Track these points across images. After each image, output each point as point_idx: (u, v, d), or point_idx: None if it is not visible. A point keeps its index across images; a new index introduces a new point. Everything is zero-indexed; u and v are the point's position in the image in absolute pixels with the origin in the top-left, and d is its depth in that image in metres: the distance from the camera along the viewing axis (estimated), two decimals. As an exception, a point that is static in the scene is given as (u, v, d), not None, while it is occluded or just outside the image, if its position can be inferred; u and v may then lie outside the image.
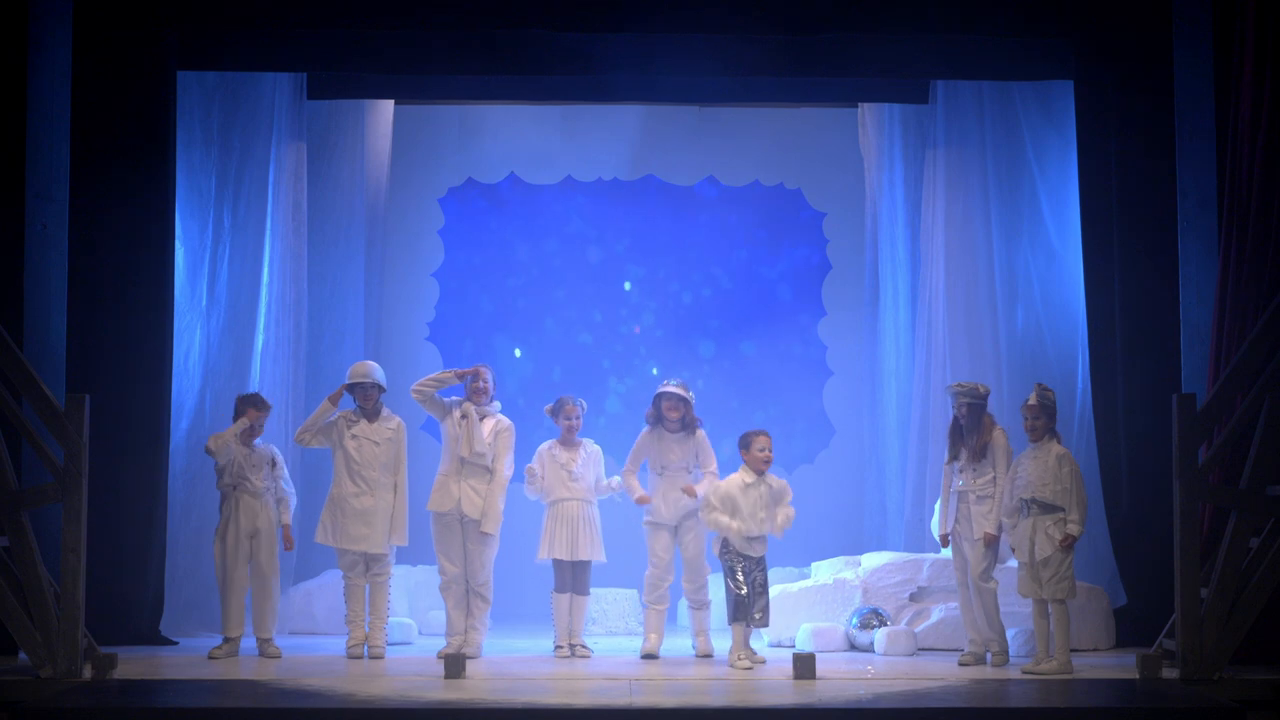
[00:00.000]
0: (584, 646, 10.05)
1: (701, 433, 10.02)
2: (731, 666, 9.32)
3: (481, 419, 10.03)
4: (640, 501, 9.99)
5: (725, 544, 9.47)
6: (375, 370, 10.10)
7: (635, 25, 10.71)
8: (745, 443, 9.62)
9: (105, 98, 10.45)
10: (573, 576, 10.05)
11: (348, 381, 10.05)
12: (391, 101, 12.55)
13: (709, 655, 9.85)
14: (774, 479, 9.60)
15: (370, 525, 9.91)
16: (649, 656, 9.80)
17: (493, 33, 10.87)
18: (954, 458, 9.68)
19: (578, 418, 10.20)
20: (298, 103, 11.77)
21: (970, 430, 9.58)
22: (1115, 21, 10.73)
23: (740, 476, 9.53)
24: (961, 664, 9.51)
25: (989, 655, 9.55)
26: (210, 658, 9.70)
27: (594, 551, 10.07)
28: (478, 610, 9.99)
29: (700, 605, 10.05)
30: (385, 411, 10.10)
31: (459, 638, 9.95)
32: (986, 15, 10.76)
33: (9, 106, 10.10)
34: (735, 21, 10.61)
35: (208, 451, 10.05)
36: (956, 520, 9.62)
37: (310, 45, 11.16)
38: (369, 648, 9.86)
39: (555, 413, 10.25)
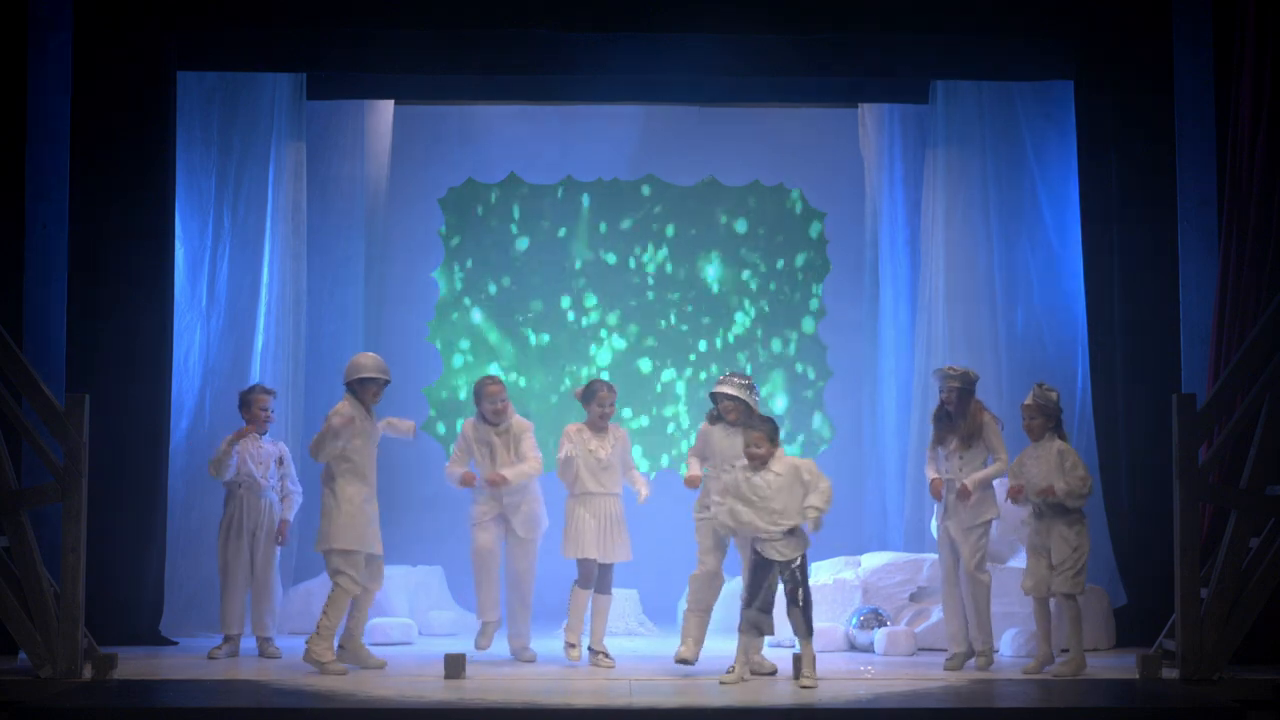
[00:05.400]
0: (606, 655, 9.51)
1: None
2: (720, 681, 8.62)
3: (503, 435, 9.74)
4: (690, 482, 9.26)
5: (754, 547, 8.69)
6: (387, 366, 9.65)
7: (635, 25, 10.72)
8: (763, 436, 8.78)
9: (105, 98, 10.46)
10: (600, 576, 9.59)
11: (363, 376, 9.47)
12: (391, 101, 12.55)
13: (772, 672, 9.05)
14: (782, 463, 8.73)
15: (377, 526, 9.53)
16: (683, 662, 9.06)
17: (493, 33, 10.87)
18: (940, 443, 9.65)
19: (608, 403, 9.62)
20: (298, 103, 11.76)
21: (959, 416, 9.56)
22: (1115, 21, 10.74)
23: (742, 467, 8.78)
24: (948, 668, 9.42)
25: (973, 659, 9.44)
26: (210, 658, 9.70)
27: (626, 551, 9.61)
28: (524, 616, 9.76)
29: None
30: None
31: (493, 613, 9.74)
32: (986, 15, 10.76)
33: (9, 107, 10.12)
34: (735, 21, 10.61)
35: (214, 475, 10.02)
36: (948, 512, 9.59)
37: (310, 45, 11.16)
38: (364, 661, 9.42)
39: (587, 398, 9.64)
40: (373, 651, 9.76)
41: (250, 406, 10.16)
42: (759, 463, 8.70)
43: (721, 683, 8.56)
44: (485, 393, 9.77)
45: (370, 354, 9.74)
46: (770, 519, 8.62)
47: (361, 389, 9.52)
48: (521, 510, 9.75)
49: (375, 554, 9.49)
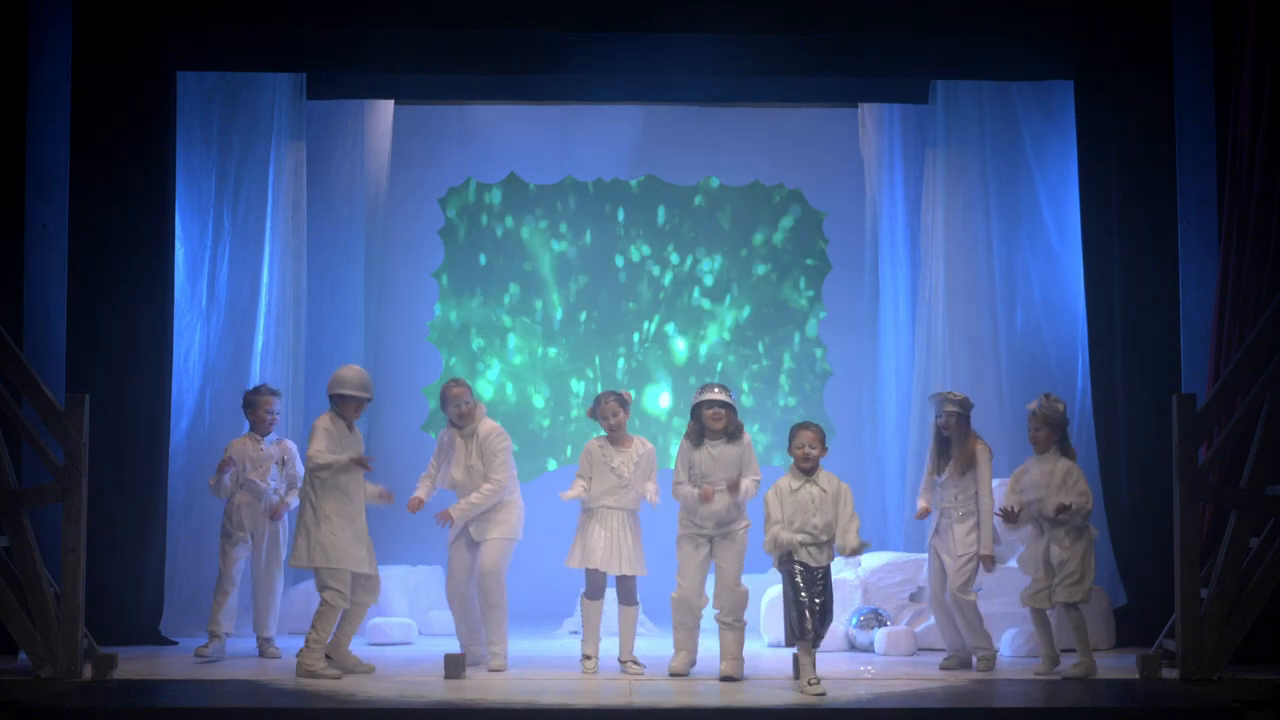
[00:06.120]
0: (636, 663, 9.16)
1: (747, 438, 9.13)
2: (800, 692, 8.33)
3: (466, 439, 9.41)
4: (705, 497, 8.90)
5: (786, 551, 8.67)
6: (372, 384, 9.44)
7: (635, 25, 10.71)
8: (789, 437, 8.83)
9: (105, 98, 10.46)
10: (620, 588, 9.28)
11: (345, 392, 9.27)
12: (391, 101, 12.55)
13: (735, 679, 8.86)
14: (827, 479, 8.75)
15: (366, 546, 9.25)
16: (677, 675, 8.95)
17: (493, 33, 10.86)
18: (938, 471, 9.59)
19: (614, 414, 9.26)
20: (298, 103, 11.76)
21: (956, 443, 9.51)
22: (1115, 21, 10.73)
23: (787, 479, 8.78)
24: (944, 668, 9.43)
25: (974, 660, 9.44)
26: (196, 655, 9.56)
27: (640, 566, 9.27)
28: (492, 619, 9.32)
29: (731, 627, 9.01)
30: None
31: (474, 647, 9.42)
32: (986, 15, 10.76)
33: (9, 106, 10.12)
34: (735, 21, 10.61)
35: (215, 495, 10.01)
36: (936, 532, 9.57)
37: (310, 45, 11.16)
38: (352, 668, 9.16)
39: (595, 413, 9.36)
40: (373, 651, 9.75)
41: (256, 408, 10.12)
42: (810, 465, 8.71)
43: (816, 694, 8.25)
44: (449, 396, 9.44)
45: (355, 368, 9.49)
46: (810, 534, 8.62)
47: (342, 404, 9.30)
48: (480, 518, 9.36)
49: (362, 572, 9.20)
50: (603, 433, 9.44)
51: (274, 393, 10.24)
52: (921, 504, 9.68)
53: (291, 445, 10.29)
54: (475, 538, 9.38)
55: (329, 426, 9.23)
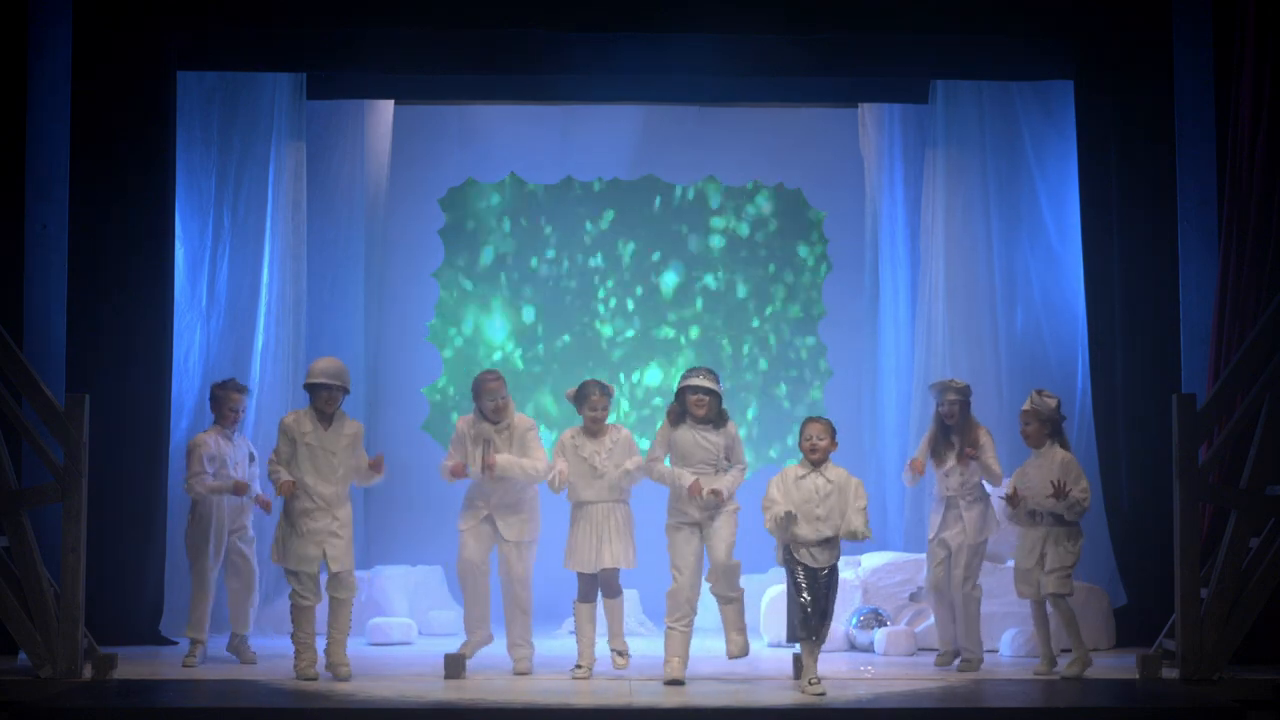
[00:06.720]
0: (621, 655, 9.09)
1: (732, 425, 9.01)
2: (800, 692, 8.32)
3: (500, 432, 9.26)
4: (694, 491, 8.75)
5: (789, 550, 8.56)
6: (344, 373, 9.13)
7: (636, 25, 10.71)
8: (799, 430, 8.78)
9: (105, 98, 10.46)
10: (601, 581, 9.11)
11: (311, 380, 9.04)
12: (391, 101, 12.55)
13: (743, 654, 8.92)
14: (835, 472, 8.66)
15: (326, 545, 8.95)
16: (674, 683, 8.67)
17: (493, 33, 10.87)
18: (937, 461, 9.57)
19: (604, 409, 9.11)
20: (298, 103, 11.76)
21: (957, 431, 9.52)
22: (1115, 21, 10.74)
23: (794, 467, 8.69)
24: (938, 664, 9.49)
25: (958, 660, 9.45)
26: (184, 665, 9.37)
27: (622, 558, 9.05)
28: (522, 624, 9.23)
29: (730, 601, 8.94)
30: (340, 414, 9.13)
31: (481, 631, 9.30)
32: (986, 15, 10.77)
33: (9, 107, 10.14)
34: (735, 21, 10.61)
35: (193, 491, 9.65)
36: (946, 525, 9.56)
37: (310, 45, 11.16)
38: (334, 668, 8.95)
39: (579, 400, 9.13)
40: (373, 651, 9.72)
41: (222, 404, 9.77)
42: (819, 457, 8.64)
43: (816, 694, 8.23)
44: (485, 388, 9.25)
45: (328, 358, 9.28)
46: (813, 526, 8.54)
47: (313, 394, 9.07)
48: (509, 512, 9.26)
49: (305, 571, 8.95)
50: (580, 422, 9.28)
51: (242, 389, 9.93)
52: (917, 463, 9.60)
53: (249, 443, 10.00)
54: (506, 536, 9.23)
55: (289, 424, 9.05)
